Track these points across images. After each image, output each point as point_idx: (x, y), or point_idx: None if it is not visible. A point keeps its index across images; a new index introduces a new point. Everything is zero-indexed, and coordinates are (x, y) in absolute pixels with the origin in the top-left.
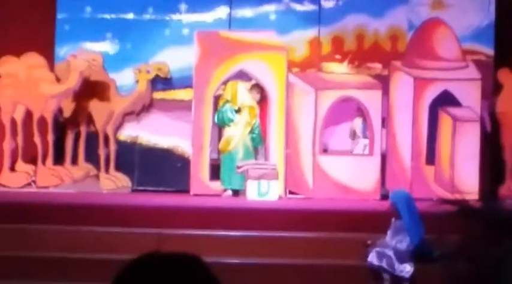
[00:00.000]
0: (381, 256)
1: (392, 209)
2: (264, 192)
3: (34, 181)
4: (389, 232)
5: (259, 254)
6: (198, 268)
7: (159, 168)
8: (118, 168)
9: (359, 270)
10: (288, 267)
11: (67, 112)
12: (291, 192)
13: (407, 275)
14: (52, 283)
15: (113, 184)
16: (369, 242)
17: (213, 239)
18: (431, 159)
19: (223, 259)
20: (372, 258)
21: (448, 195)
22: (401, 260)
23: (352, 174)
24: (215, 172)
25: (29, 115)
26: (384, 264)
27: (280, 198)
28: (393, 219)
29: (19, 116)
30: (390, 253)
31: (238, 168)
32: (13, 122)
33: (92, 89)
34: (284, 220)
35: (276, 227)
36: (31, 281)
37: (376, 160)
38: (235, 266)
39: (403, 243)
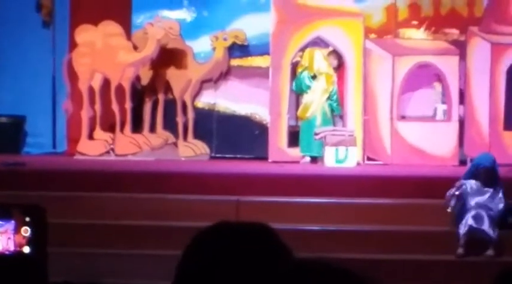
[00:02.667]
0: (478, 219)
1: (487, 172)
2: (342, 158)
3: (112, 149)
4: (485, 195)
5: (337, 221)
6: (267, 237)
7: (237, 135)
8: (196, 135)
9: (438, 236)
10: (366, 234)
11: (145, 80)
12: (369, 159)
13: (494, 240)
14: (132, 251)
15: (191, 152)
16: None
17: (291, 206)
18: (509, 124)
19: (302, 226)
20: (471, 221)
21: None
22: (493, 225)
23: (430, 140)
24: (293, 139)
25: (106, 83)
26: (483, 226)
27: (358, 164)
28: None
29: (97, 84)
30: (484, 215)
31: (316, 134)
32: (91, 90)
33: (169, 57)
34: (362, 186)
35: (354, 193)
36: (111, 250)
37: (454, 126)
38: (314, 233)
39: (499, 206)
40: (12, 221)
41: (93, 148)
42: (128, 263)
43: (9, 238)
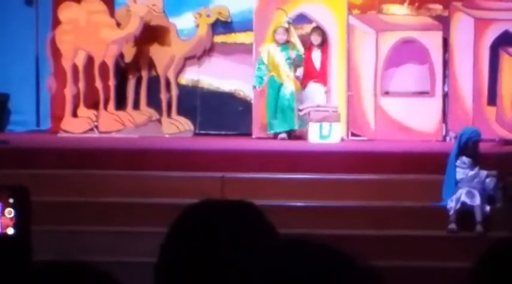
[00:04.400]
0: (471, 195)
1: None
2: (326, 134)
3: (96, 127)
4: (475, 171)
5: (321, 197)
6: (252, 215)
7: (221, 111)
8: (180, 112)
9: (422, 212)
10: (351, 210)
11: (128, 58)
12: (353, 134)
13: (485, 216)
14: (115, 227)
15: (175, 129)
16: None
17: (276, 182)
18: (492, 99)
19: (286, 202)
20: (464, 197)
21: (509, 136)
22: (485, 201)
23: (413, 116)
24: None
25: (90, 61)
26: (475, 203)
27: (342, 140)
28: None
29: (80, 62)
30: (476, 191)
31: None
32: (74, 68)
33: (153, 34)
34: (346, 162)
35: (338, 169)
36: (93, 226)
37: (438, 101)
38: (299, 210)
39: (491, 182)
40: None
41: (77, 125)
42: (113, 240)
43: None
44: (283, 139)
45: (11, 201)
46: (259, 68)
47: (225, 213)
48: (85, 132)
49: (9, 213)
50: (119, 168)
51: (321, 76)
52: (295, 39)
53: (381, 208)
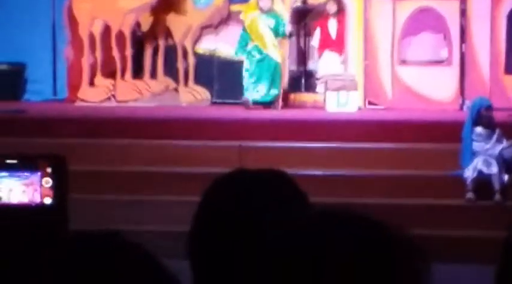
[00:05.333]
0: (488, 164)
1: (488, 114)
2: (344, 103)
3: (113, 96)
4: (491, 140)
5: (339, 166)
6: (284, 183)
7: (238, 80)
8: (197, 81)
9: (439, 181)
10: (368, 178)
11: (145, 27)
12: (370, 103)
13: (503, 185)
14: (132, 196)
15: (192, 98)
16: None
17: (293, 151)
18: (510, 68)
19: (303, 170)
20: (481, 166)
21: None
22: (502, 170)
23: (430, 85)
24: (294, 83)
25: (107, 29)
26: (492, 172)
27: (359, 108)
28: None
29: (97, 31)
30: (493, 160)
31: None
32: (91, 37)
33: (169, 3)
34: (364, 130)
35: (355, 138)
36: (111, 195)
37: (455, 70)
38: (316, 178)
39: (509, 151)
40: (38, 173)
41: (94, 94)
42: (131, 209)
43: (35, 190)
44: (247, 105)
45: (49, 170)
46: (241, 36)
47: (259, 181)
48: (102, 101)
49: (47, 182)
50: (136, 137)
51: (337, 45)
52: (280, 6)
53: (398, 176)
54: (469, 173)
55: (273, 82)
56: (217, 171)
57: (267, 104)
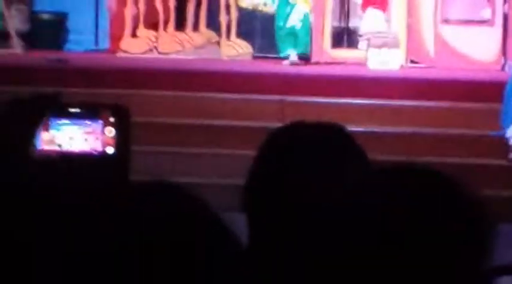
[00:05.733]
0: None
1: None
2: (386, 60)
3: (155, 47)
4: None
5: (380, 123)
6: (343, 137)
7: None
8: (239, 35)
9: (481, 140)
10: (408, 136)
11: None
12: (412, 61)
13: None
14: (172, 148)
15: (234, 51)
16: None
17: (335, 107)
18: None
19: (346, 127)
20: None
21: None
22: None
23: (472, 44)
24: (337, 39)
25: None
26: None
27: (401, 66)
28: None
29: None
30: None
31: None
32: None
33: None
34: (405, 88)
35: (397, 96)
36: (151, 147)
37: (498, 30)
38: (356, 135)
39: None
40: (100, 121)
41: (136, 45)
42: (180, 162)
43: (96, 138)
44: (294, 63)
45: (111, 119)
46: None
47: (317, 134)
48: (144, 53)
49: (110, 131)
50: (179, 89)
51: (380, 2)
52: None
53: (438, 135)
54: (511, 133)
55: (304, 34)
56: (260, 125)
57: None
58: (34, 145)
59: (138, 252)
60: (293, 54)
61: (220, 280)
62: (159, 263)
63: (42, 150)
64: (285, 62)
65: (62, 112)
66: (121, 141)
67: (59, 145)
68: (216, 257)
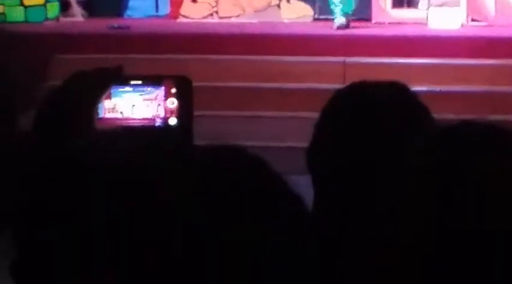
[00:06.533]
0: None
1: None
2: (446, 19)
3: (216, 12)
4: None
5: (442, 82)
6: (407, 95)
7: None
8: None
9: None
10: (471, 94)
11: None
12: (472, 20)
13: None
14: (236, 112)
15: (295, 13)
16: None
17: (397, 66)
18: None
19: (409, 86)
20: None
21: None
22: None
23: None
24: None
25: None
26: None
27: (462, 25)
28: None
29: None
30: None
31: None
32: None
33: None
34: (467, 47)
35: (458, 54)
36: (214, 111)
37: None
38: (421, 94)
39: None
40: (162, 88)
41: (197, 10)
42: (242, 125)
43: (159, 105)
44: (340, 27)
45: (173, 90)
46: None
47: (380, 93)
48: (204, 18)
49: (172, 102)
50: (240, 53)
51: None
52: None
53: (503, 93)
54: None
55: None
56: (323, 87)
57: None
58: (97, 115)
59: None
60: (339, 17)
61: (286, 242)
62: (227, 228)
63: (104, 118)
64: (333, 26)
65: (124, 85)
66: (184, 112)
67: (121, 113)
68: (282, 220)
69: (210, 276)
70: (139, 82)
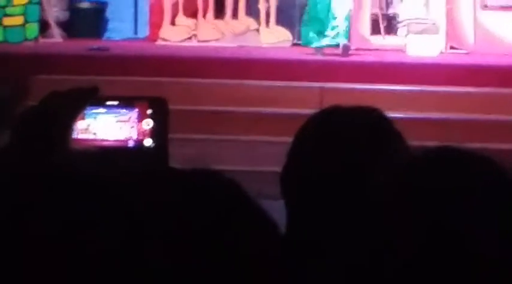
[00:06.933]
0: None
1: None
2: (425, 46)
3: (195, 35)
4: None
5: (419, 109)
6: (381, 121)
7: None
8: (278, 22)
9: None
10: (448, 121)
11: None
12: (451, 47)
13: None
14: (212, 136)
15: (274, 38)
16: None
17: (374, 93)
18: None
19: (385, 113)
20: None
21: None
22: None
23: None
24: (376, 26)
25: None
26: None
27: (441, 52)
28: None
29: None
30: None
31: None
32: None
33: None
34: (445, 74)
35: (437, 82)
36: (191, 134)
37: None
38: (397, 121)
39: None
40: (136, 110)
41: (176, 34)
42: (217, 149)
43: (132, 127)
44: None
45: (149, 112)
46: None
47: (354, 118)
48: (183, 41)
49: (147, 123)
50: (218, 77)
51: None
52: None
53: (478, 121)
54: None
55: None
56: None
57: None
58: (71, 135)
59: (176, 240)
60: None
61: (259, 267)
62: (199, 251)
63: (77, 139)
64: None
65: (99, 105)
66: (159, 133)
67: (94, 134)
68: (255, 244)
69: None
70: (115, 102)
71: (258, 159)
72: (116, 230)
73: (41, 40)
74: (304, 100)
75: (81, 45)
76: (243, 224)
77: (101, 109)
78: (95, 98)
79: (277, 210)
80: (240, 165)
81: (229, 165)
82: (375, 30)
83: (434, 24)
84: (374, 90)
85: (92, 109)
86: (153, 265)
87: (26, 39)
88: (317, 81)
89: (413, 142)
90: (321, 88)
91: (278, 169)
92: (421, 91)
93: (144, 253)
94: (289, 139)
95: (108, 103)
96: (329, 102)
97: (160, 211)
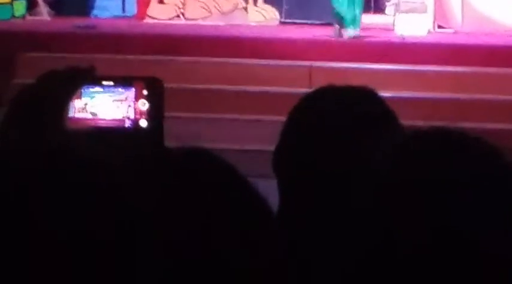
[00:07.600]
0: None
1: None
2: (413, 25)
3: (182, 13)
4: None
5: (408, 88)
6: (375, 100)
7: (308, 0)
8: (266, 0)
9: (507, 105)
10: (435, 101)
11: None
12: (439, 27)
13: None
14: (200, 114)
15: (261, 17)
16: None
17: (363, 72)
18: None
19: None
20: None
21: None
22: None
23: (500, 9)
24: (364, 4)
25: None
26: None
27: (429, 32)
28: None
29: None
30: None
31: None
32: None
33: None
34: (433, 54)
35: (425, 61)
36: (178, 112)
37: None
38: (386, 100)
39: None
40: (133, 89)
41: (163, 12)
42: (206, 127)
43: (129, 106)
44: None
45: (145, 92)
46: None
47: (348, 98)
48: (171, 19)
49: (143, 104)
50: (205, 55)
51: None
52: None
53: (466, 100)
54: None
55: None
56: (288, 91)
57: None
58: (67, 114)
59: (171, 223)
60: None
61: (252, 246)
62: (192, 230)
63: (74, 118)
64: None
65: (95, 85)
66: (155, 114)
67: (91, 113)
68: (247, 223)
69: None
70: (111, 83)
71: (245, 138)
72: (109, 214)
73: (29, 17)
74: (293, 79)
75: (69, 23)
76: (238, 205)
77: (98, 88)
78: (91, 78)
79: (266, 187)
80: (228, 143)
81: (216, 143)
82: (364, 8)
83: (422, 3)
84: (362, 68)
85: (88, 88)
86: (147, 249)
87: (13, 17)
88: (306, 60)
89: (402, 121)
90: (310, 67)
91: (266, 147)
92: (409, 70)
93: (138, 237)
94: (278, 117)
95: (105, 82)
96: (317, 80)
97: (154, 194)
